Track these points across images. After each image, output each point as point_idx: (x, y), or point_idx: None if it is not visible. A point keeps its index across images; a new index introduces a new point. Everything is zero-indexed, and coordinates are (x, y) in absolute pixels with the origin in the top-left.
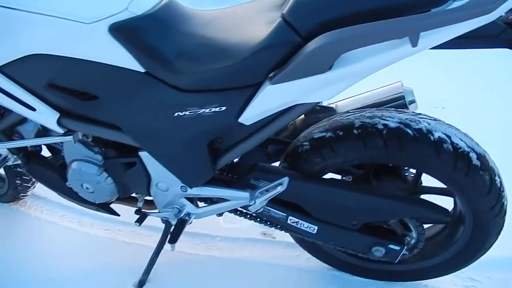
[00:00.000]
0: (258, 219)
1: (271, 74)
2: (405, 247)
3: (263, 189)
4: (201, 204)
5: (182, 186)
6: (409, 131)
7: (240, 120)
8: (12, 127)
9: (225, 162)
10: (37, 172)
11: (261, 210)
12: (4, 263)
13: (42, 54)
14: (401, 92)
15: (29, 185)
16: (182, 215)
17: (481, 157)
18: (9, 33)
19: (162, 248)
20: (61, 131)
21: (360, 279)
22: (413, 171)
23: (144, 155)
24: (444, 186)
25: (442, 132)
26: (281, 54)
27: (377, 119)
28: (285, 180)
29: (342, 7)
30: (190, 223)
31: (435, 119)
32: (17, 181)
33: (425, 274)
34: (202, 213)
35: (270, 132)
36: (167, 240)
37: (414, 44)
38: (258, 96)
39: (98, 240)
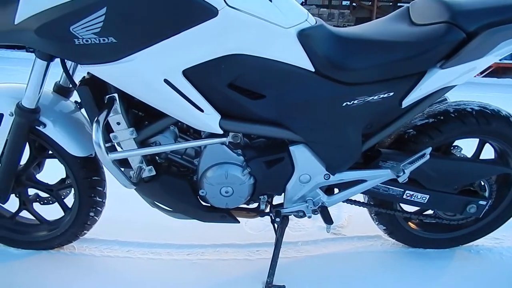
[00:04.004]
0: (371, 203)
1: (440, 62)
2: (490, 201)
3: (406, 162)
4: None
5: (325, 174)
6: (488, 111)
7: (403, 102)
8: (148, 138)
9: (370, 146)
10: (168, 183)
11: (379, 189)
12: None
13: (239, 54)
14: None
15: (97, 218)
16: (318, 206)
17: None
18: (217, 33)
19: (280, 247)
20: (221, 131)
21: (429, 251)
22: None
23: (295, 148)
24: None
25: (505, 111)
26: (450, 47)
27: (463, 105)
28: (428, 150)
29: (498, 14)
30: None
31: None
32: (91, 214)
33: (477, 234)
34: (336, 199)
35: (414, 114)
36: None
37: None
38: (428, 79)
39: (191, 263)
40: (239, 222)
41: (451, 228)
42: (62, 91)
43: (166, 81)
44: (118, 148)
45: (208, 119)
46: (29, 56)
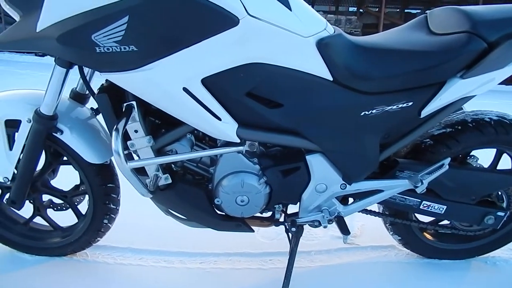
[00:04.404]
0: (386, 212)
1: (461, 72)
2: (508, 212)
3: (424, 172)
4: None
5: (342, 184)
6: (507, 121)
7: (422, 112)
8: (165, 146)
9: (387, 155)
10: (184, 191)
11: (396, 200)
12: None
13: (259, 63)
14: None
15: (110, 225)
16: (334, 215)
17: None
18: (237, 42)
19: (295, 257)
20: (238, 140)
21: (444, 262)
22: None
23: (312, 157)
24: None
25: None
26: (471, 57)
27: (481, 115)
28: (447, 160)
29: None
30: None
31: None
32: (105, 221)
33: (494, 245)
34: (353, 209)
35: (432, 124)
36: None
37: None
38: (448, 89)
39: (205, 272)
40: (253, 231)
41: (467, 239)
42: (78, 97)
43: (185, 89)
44: (135, 156)
45: (225, 127)
46: (39, 60)
